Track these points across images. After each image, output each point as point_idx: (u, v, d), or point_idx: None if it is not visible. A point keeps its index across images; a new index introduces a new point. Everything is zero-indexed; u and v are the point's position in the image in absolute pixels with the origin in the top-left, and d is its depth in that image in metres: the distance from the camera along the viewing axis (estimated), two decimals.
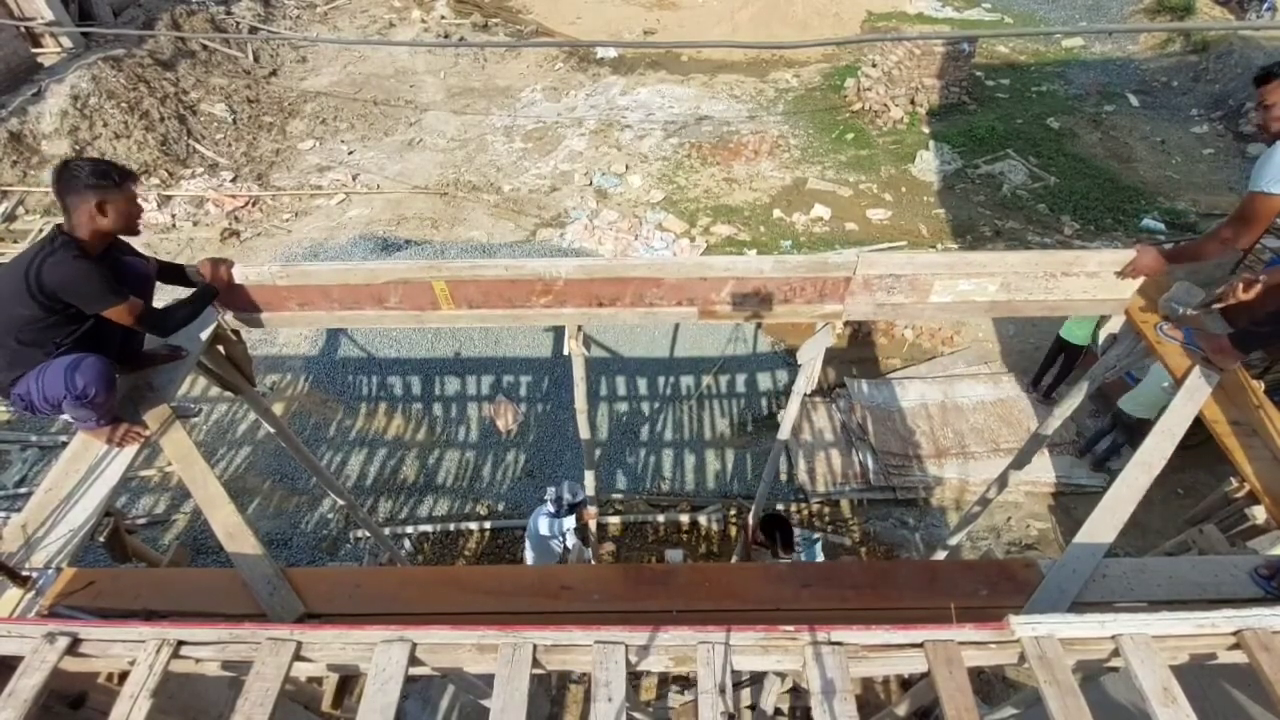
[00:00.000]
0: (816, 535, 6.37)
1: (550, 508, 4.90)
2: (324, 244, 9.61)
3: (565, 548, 4.95)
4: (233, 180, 11.00)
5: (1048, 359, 7.40)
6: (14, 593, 2.26)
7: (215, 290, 2.85)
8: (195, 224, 10.25)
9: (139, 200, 2.54)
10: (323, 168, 11.60)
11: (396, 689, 1.67)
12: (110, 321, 2.51)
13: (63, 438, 6.78)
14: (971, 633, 1.74)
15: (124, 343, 2.67)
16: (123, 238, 2.59)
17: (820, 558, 5.84)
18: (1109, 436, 6.76)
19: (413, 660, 1.74)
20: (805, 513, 6.91)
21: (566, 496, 4.82)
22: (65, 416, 2.52)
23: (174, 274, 2.94)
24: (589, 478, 4.48)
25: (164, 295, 2.80)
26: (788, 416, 3.77)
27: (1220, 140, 11.71)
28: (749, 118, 12.86)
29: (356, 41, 14.12)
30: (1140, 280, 2.90)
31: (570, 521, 4.89)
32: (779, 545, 4.60)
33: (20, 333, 2.36)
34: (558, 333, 7.65)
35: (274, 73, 13.44)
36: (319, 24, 14.96)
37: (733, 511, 6.91)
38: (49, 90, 10.45)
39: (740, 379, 8.17)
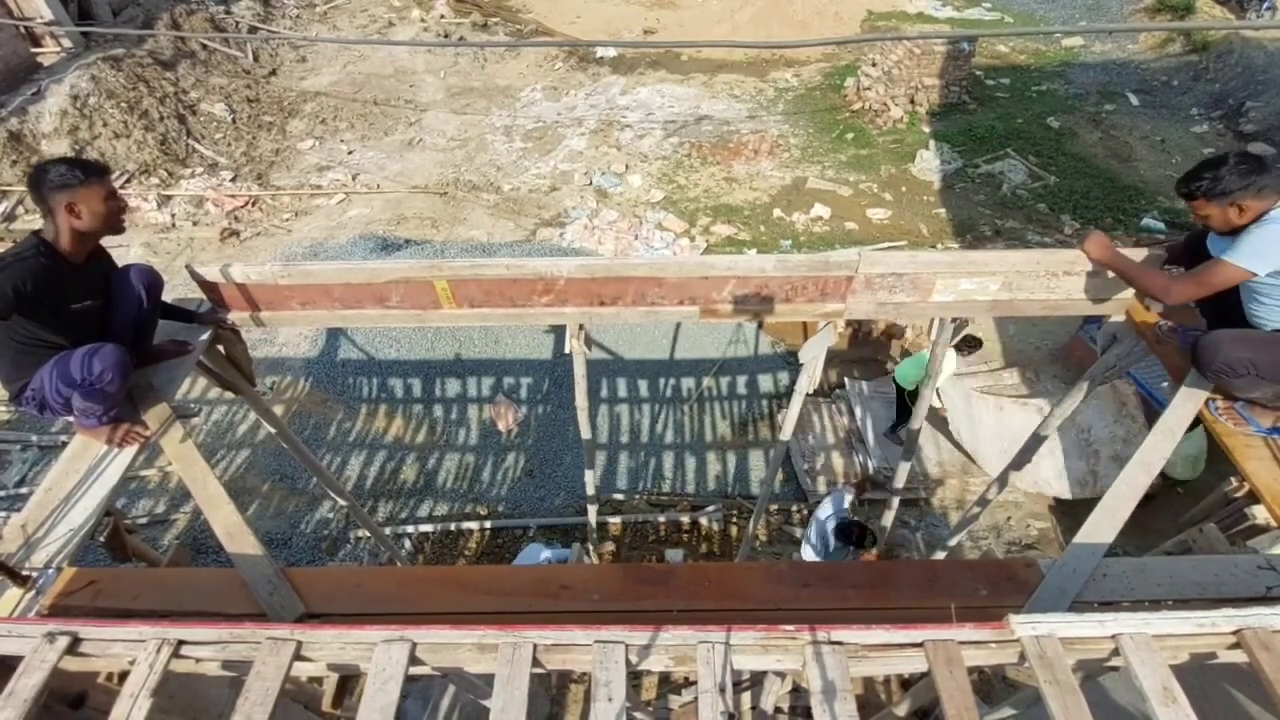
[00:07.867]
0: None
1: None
2: (324, 244, 9.60)
3: None
4: (232, 180, 10.99)
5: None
6: (14, 592, 2.25)
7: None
8: (195, 224, 10.25)
9: (116, 197, 2.45)
10: (322, 167, 11.60)
11: (396, 689, 1.67)
12: (113, 318, 2.51)
13: (63, 438, 6.78)
14: (971, 632, 1.74)
15: (135, 340, 2.66)
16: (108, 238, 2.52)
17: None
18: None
19: (413, 660, 1.73)
20: (805, 513, 6.91)
21: None
22: (71, 416, 2.51)
23: (178, 314, 2.97)
24: (589, 477, 4.48)
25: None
26: (790, 416, 3.76)
27: (1220, 140, 11.70)
28: (749, 117, 12.85)
29: (356, 41, 14.11)
30: None
31: None
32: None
33: (11, 334, 2.35)
34: (558, 333, 7.65)
35: (274, 72, 13.43)
36: (319, 23, 14.95)
37: (734, 512, 6.91)
38: (49, 90, 10.45)
39: (741, 380, 8.17)
